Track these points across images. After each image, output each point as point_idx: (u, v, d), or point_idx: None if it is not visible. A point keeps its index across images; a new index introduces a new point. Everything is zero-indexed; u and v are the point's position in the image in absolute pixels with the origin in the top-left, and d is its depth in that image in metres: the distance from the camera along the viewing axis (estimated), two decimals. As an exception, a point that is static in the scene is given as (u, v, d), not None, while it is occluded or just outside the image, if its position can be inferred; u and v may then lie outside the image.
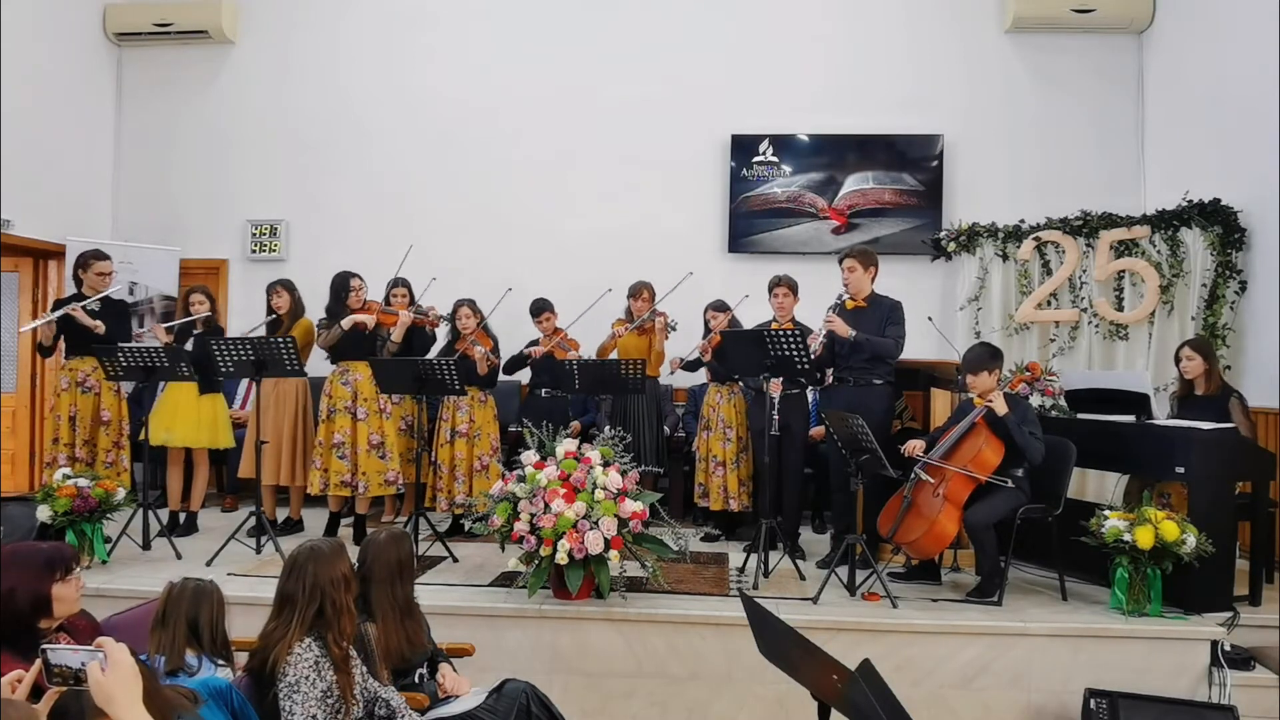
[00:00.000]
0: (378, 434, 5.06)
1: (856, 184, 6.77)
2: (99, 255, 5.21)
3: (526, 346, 5.70)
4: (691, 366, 5.58)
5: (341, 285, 5.18)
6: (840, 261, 4.78)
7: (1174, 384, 5.00)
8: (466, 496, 5.10)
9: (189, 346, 5.20)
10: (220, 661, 2.54)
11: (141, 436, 5.00)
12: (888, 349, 4.59)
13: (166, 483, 5.42)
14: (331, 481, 4.99)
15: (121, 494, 4.46)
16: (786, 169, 6.81)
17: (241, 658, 2.48)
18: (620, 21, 6.93)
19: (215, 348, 4.71)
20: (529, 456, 4.03)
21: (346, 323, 5.08)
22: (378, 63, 7.09)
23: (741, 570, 4.57)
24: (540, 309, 5.69)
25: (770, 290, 5.04)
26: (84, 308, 4.99)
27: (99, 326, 4.99)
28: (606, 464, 3.95)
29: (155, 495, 5.53)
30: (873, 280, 4.76)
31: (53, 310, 5.09)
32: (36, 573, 2.22)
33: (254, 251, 7.10)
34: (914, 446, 4.22)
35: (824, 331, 4.57)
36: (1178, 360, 4.84)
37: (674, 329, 5.50)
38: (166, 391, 4.98)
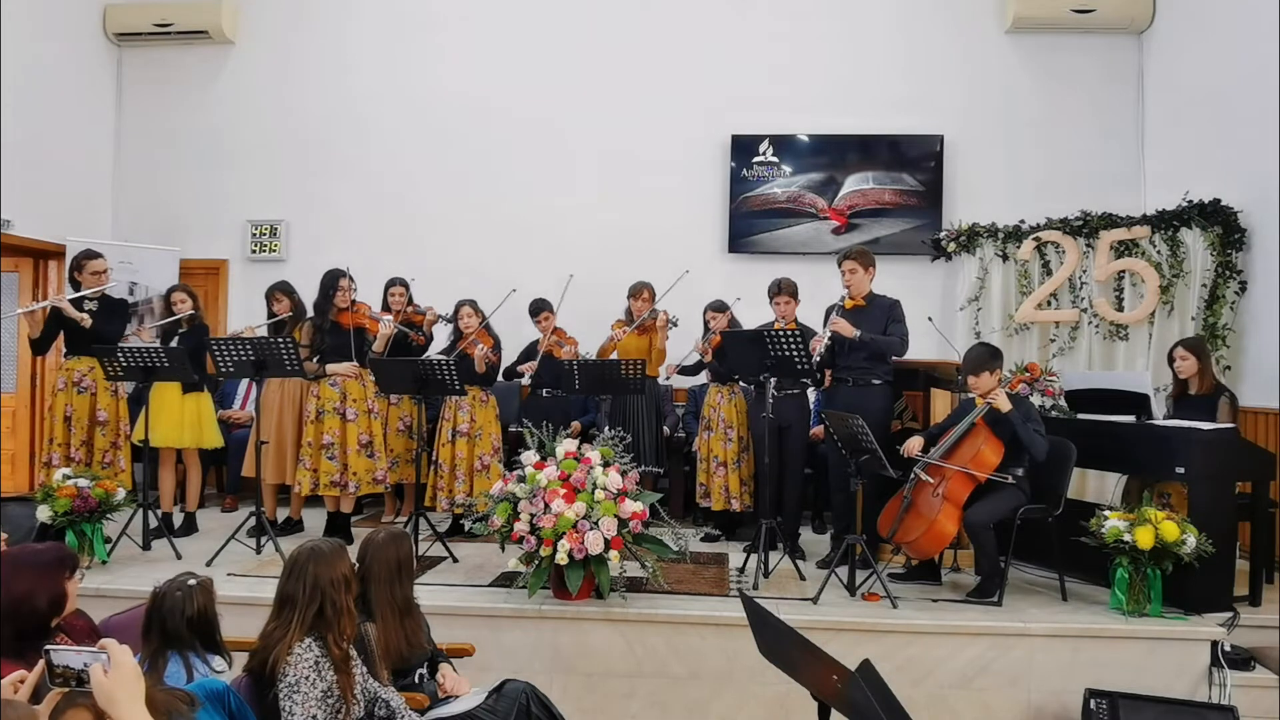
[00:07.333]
0: (366, 434, 5.07)
1: (856, 184, 6.77)
2: (90, 255, 5.16)
3: (519, 364, 5.72)
4: (690, 371, 5.57)
5: (331, 283, 5.13)
6: (839, 263, 4.78)
7: (1172, 384, 5.00)
8: (467, 496, 5.10)
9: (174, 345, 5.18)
10: (217, 660, 2.50)
11: (135, 437, 4.98)
12: (894, 346, 4.60)
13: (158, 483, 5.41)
14: (321, 482, 5.00)
15: (121, 494, 4.47)
16: (786, 169, 6.81)
17: (242, 658, 2.47)
18: (621, 22, 6.93)
19: (215, 347, 4.70)
20: (529, 456, 4.03)
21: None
22: (377, 62, 7.09)
23: (741, 570, 4.57)
24: (539, 309, 5.69)
25: (771, 298, 5.03)
26: (73, 301, 4.95)
27: (85, 319, 4.95)
28: (606, 464, 3.94)
29: (155, 496, 5.53)
30: (871, 280, 4.77)
31: (51, 309, 5.08)
32: (51, 572, 2.22)
33: (254, 251, 7.11)
34: (914, 445, 4.23)
35: (828, 335, 4.58)
36: (1171, 360, 4.84)
37: (675, 325, 5.50)
38: (152, 391, 4.97)
